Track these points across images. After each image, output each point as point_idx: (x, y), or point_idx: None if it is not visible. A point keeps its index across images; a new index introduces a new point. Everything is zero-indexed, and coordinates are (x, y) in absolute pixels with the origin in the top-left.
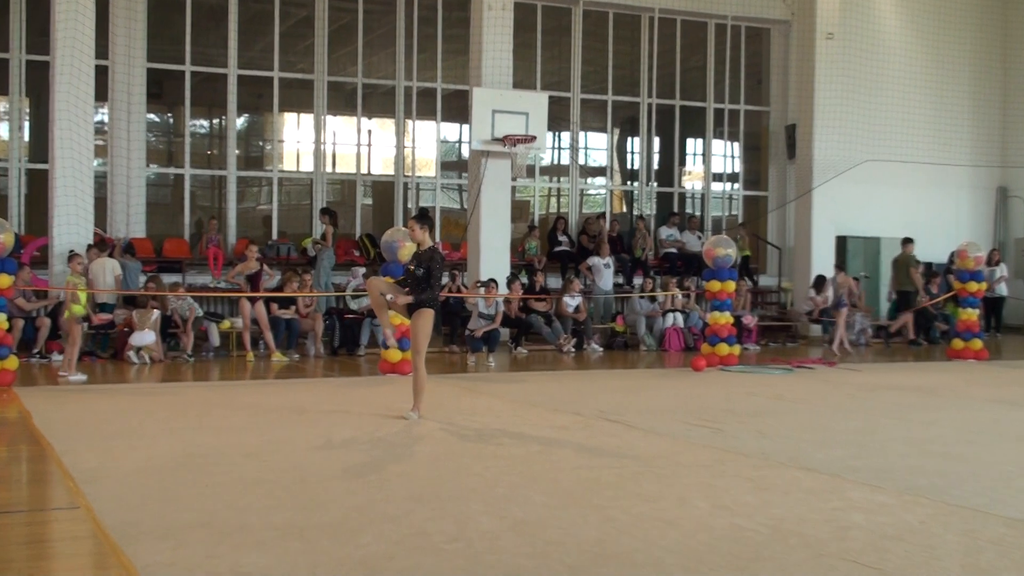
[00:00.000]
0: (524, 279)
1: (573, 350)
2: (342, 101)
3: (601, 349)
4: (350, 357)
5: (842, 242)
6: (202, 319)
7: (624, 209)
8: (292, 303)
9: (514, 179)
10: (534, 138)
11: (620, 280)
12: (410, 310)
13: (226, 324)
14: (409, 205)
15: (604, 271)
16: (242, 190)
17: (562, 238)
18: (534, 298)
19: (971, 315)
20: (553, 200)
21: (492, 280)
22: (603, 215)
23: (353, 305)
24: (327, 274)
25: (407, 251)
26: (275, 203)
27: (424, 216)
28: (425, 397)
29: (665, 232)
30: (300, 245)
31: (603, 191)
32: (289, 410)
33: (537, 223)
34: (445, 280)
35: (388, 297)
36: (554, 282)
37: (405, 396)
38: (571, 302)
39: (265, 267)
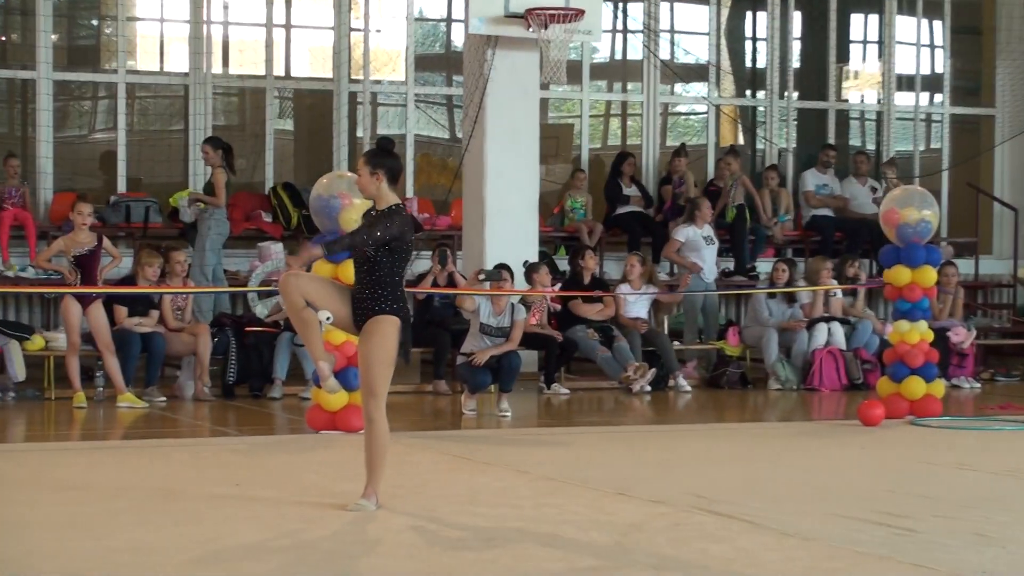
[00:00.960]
0: (565, 262)
1: (649, 388)
2: None
3: (691, 388)
4: (256, 401)
5: None
6: None
7: (740, 139)
8: (153, 306)
9: (546, 86)
10: (580, 13)
11: (732, 266)
12: (358, 320)
13: (37, 343)
14: (360, 133)
15: (704, 251)
16: (64, 107)
17: (630, 190)
18: (581, 296)
19: None
20: (615, 124)
21: (505, 267)
22: (683, 149)
23: (260, 309)
24: (215, 254)
25: (355, 213)
26: (122, 130)
27: (382, 152)
28: (386, 471)
29: (813, 180)
30: (168, 203)
31: (703, 107)
32: (150, 494)
33: (587, 165)
34: (422, 267)
35: (326, 318)
36: (617, 269)
37: (353, 469)
38: (632, 302)
39: (106, 242)
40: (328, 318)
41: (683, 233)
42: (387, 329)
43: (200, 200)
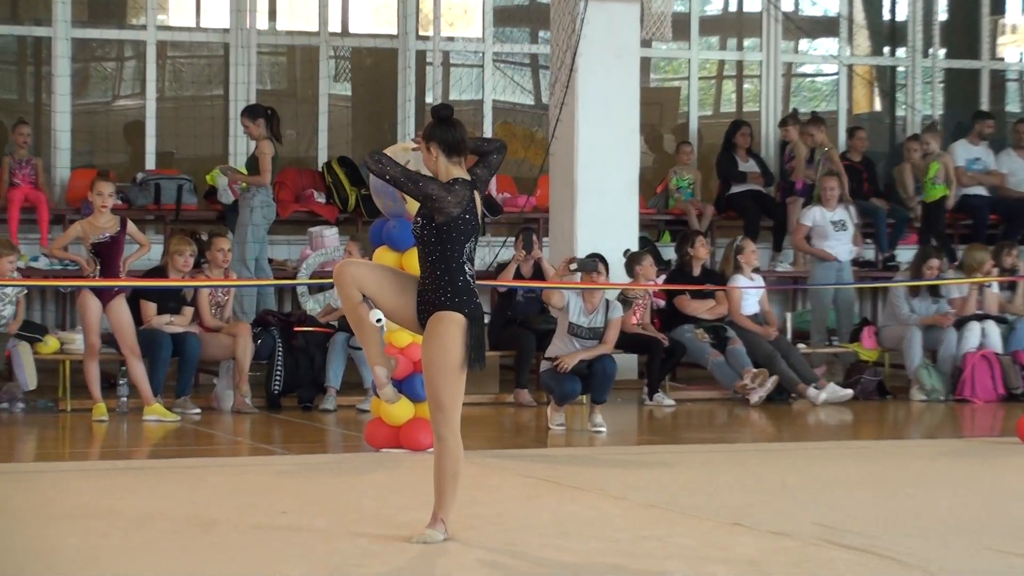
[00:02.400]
0: (670, 250)
1: (762, 399)
2: None
3: (824, 396)
4: (306, 414)
5: None
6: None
7: (875, 106)
8: (186, 302)
9: (648, 43)
10: None
11: (871, 256)
12: (421, 317)
13: (51, 345)
14: (429, 99)
15: (832, 238)
16: (84, 69)
17: (746, 165)
18: (689, 291)
19: None
20: (729, 87)
21: (599, 258)
22: (793, 115)
23: (311, 306)
24: (259, 242)
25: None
26: (151, 97)
27: (436, 122)
28: (458, 497)
29: (964, 154)
30: (205, 181)
31: (833, 68)
32: (182, 524)
33: (695, 137)
34: (503, 256)
35: (376, 320)
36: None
37: (420, 495)
38: (749, 296)
39: (131, 227)
40: (379, 320)
41: (809, 216)
42: (448, 329)
43: (240, 178)
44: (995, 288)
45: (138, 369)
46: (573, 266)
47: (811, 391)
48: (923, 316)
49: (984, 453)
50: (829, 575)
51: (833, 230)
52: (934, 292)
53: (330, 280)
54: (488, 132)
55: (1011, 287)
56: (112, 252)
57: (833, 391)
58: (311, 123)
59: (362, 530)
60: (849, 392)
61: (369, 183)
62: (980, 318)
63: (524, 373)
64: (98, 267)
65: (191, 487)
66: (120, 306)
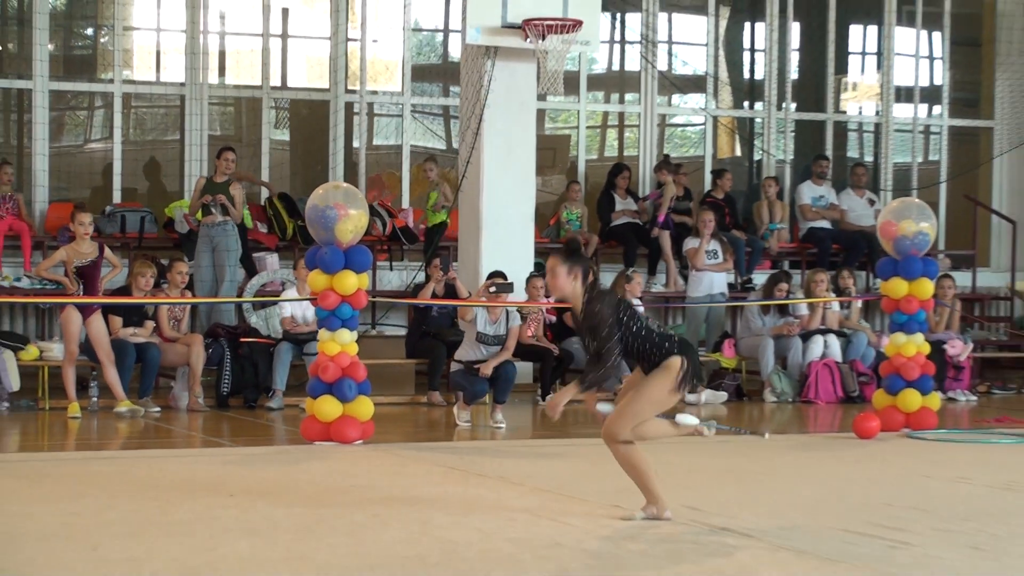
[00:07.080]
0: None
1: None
2: None
3: (704, 398)
4: (250, 411)
5: None
6: None
7: (736, 151)
8: (147, 316)
9: (543, 96)
10: (578, 24)
11: (734, 279)
12: (649, 366)
13: (32, 353)
14: (356, 143)
15: (707, 264)
16: (59, 116)
17: (625, 203)
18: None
19: None
20: (612, 135)
21: (499, 275)
22: (666, 160)
23: (254, 320)
24: (237, 265)
25: (351, 224)
26: (117, 141)
27: (571, 254)
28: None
29: (809, 193)
30: (164, 213)
31: (701, 119)
32: (146, 504)
33: (583, 177)
34: (420, 278)
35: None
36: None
37: (349, 478)
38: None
39: (107, 252)
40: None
41: (694, 243)
42: (671, 371)
43: (216, 206)
44: (835, 307)
45: (112, 374)
46: (492, 289)
47: (689, 395)
48: (772, 328)
49: (825, 447)
50: (695, 551)
51: (706, 258)
52: (783, 310)
53: (271, 298)
54: (407, 173)
55: (847, 305)
56: (93, 274)
57: (711, 394)
58: (255, 164)
59: (298, 507)
60: (724, 395)
61: (305, 216)
62: (823, 332)
63: (436, 377)
64: (80, 287)
65: (152, 474)
66: (98, 320)
